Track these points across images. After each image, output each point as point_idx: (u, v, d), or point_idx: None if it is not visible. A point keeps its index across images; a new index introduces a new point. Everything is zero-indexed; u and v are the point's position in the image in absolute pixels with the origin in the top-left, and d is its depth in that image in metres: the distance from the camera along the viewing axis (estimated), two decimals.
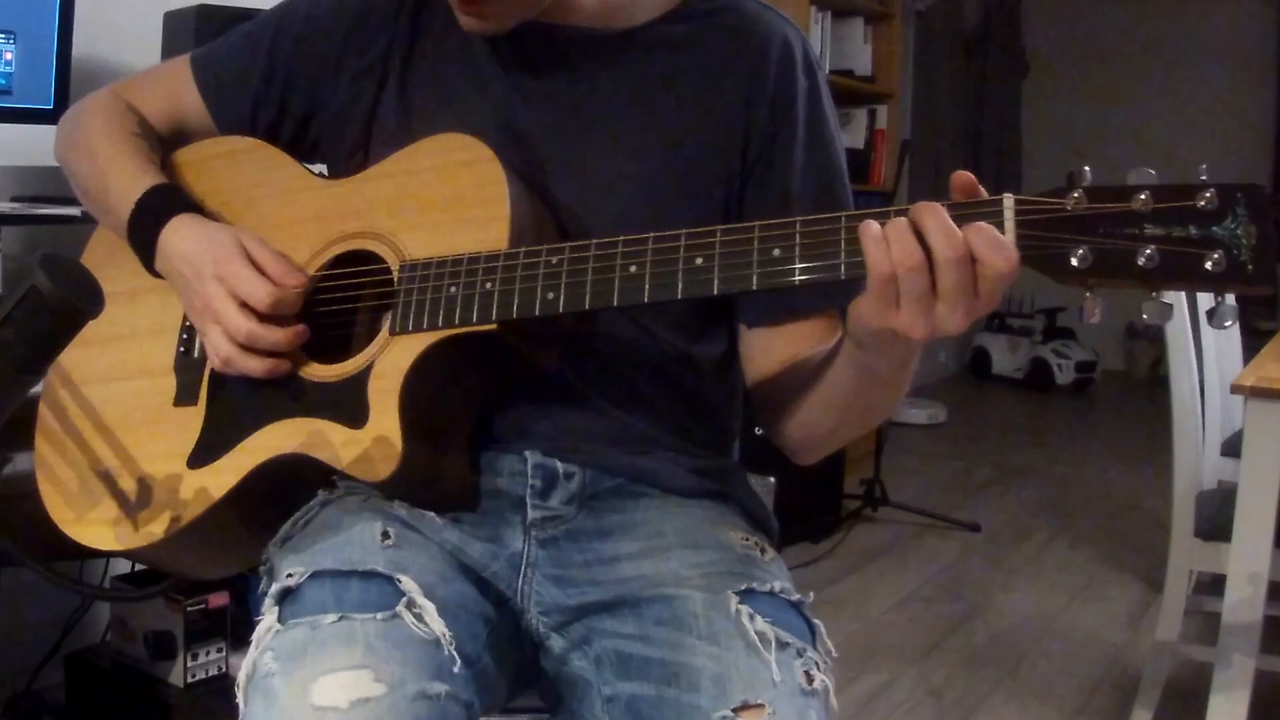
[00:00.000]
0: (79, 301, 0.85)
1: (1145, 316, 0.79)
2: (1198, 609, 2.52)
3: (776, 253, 0.87)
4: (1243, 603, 1.97)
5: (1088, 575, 3.43)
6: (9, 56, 1.80)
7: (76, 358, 1.12)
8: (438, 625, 0.94)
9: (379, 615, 0.92)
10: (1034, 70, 6.81)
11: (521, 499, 1.07)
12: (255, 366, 1.02)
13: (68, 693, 2.06)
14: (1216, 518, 2.19)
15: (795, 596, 1.03)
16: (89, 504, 1.11)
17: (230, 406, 1.07)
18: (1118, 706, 2.54)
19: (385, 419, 0.98)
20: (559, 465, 1.07)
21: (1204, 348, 2.32)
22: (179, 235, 1.07)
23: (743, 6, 1.13)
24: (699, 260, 0.90)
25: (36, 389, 0.91)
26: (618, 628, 1.01)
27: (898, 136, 4.61)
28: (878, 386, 0.97)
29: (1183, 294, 2.26)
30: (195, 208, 1.11)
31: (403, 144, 1.08)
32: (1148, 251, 0.77)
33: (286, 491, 1.08)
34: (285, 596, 0.96)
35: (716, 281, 0.89)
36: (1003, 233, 0.80)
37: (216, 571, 1.32)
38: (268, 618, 0.95)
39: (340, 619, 0.92)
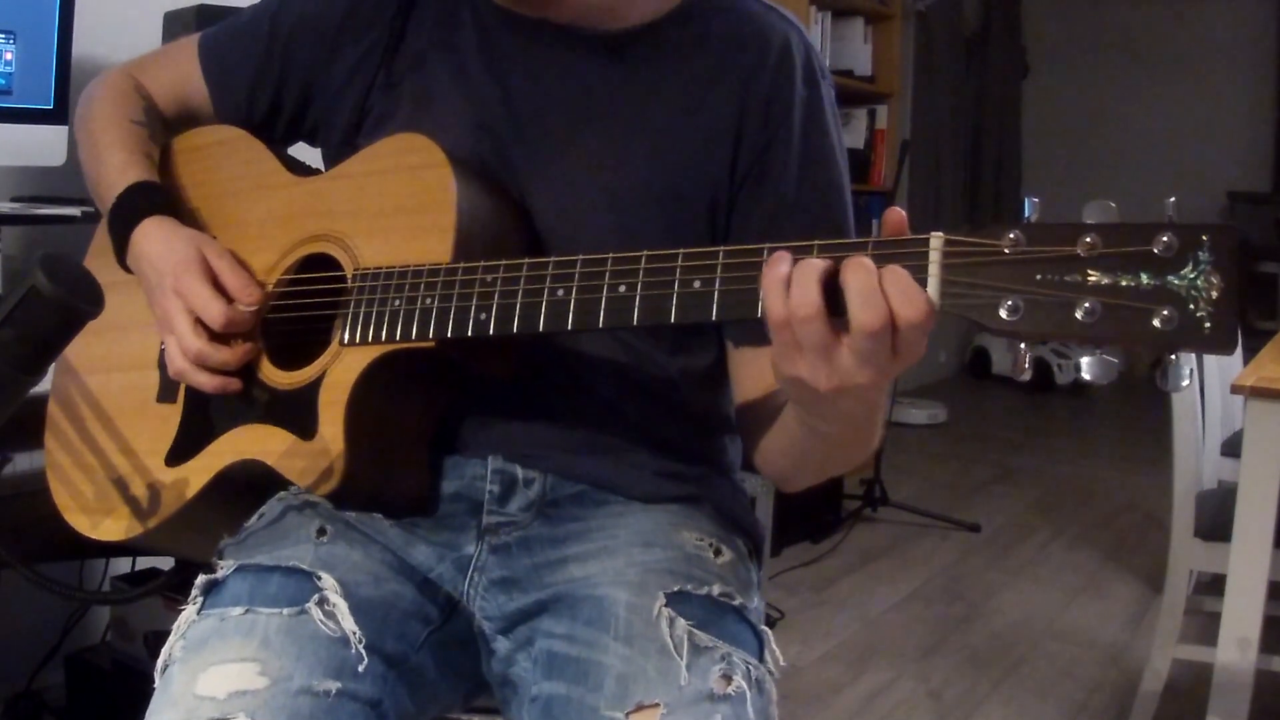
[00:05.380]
0: (79, 301, 0.85)
1: (1086, 375, 0.72)
2: (1198, 609, 2.52)
3: (697, 284, 0.81)
4: (1243, 603, 1.97)
5: (1088, 575, 3.43)
6: (9, 56, 1.80)
7: (79, 345, 1.14)
8: (348, 623, 0.95)
9: (285, 611, 0.95)
10: (1034, 70, 6.81)
11: (479, 504, 1.06)
12: (205, 382, 1.02)
13: (68, 693, 2.06)
14: (1216, 518, 2.19)
15: (737, 601, 1.01)
16: (82, 492, 1.13)
17: (204, 407, 1.07)
18: (1117, 706, 2.54)
19: (332, 432, 0.97)
20: (519, 471, 1.06)
21: None
22: (148, 239, 1.07)
23: (744, 8, 1.09)
24: (622, 288, 0.84)
25: (38, 388, 0.92)
26: (552, 627, 1.01)
27: (898, 136, 4.61)
28: (830, 445, 0.91)
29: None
30: (170, 209, 1.10)
31: (384, 136, 1.06)
32: (1087, 304, 0.68)
33: (257, 489, 1.09)
34: (210, 588, 1.00)
35: (637, 312, 0.84)
36: (927, 275, 0.73)
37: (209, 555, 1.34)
38: (190, 607, 0.99)
39: (246, 612, 0.95)
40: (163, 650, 0.96)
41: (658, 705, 0.89)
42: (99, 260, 1.20)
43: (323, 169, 1.15)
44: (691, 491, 1.10)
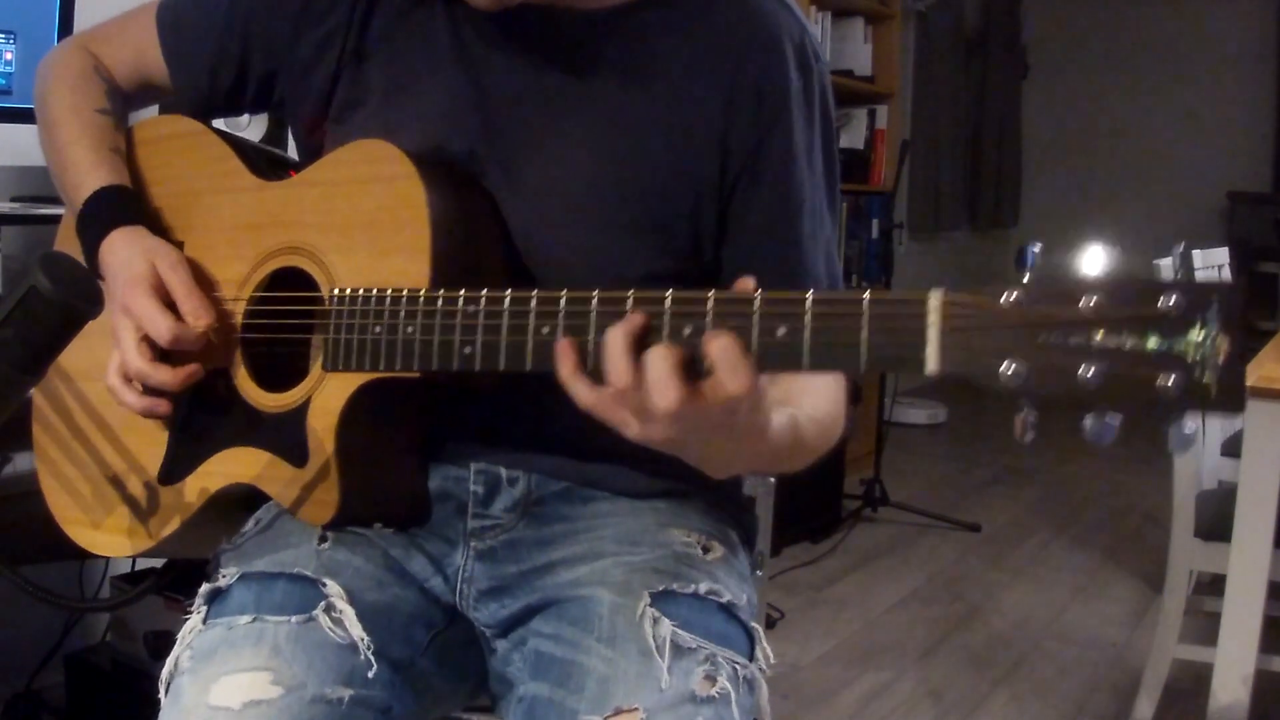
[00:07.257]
0: (79, 301, 0.85)
1: (1086, 436, 0.68)
2: (1198, 609, 2.52)
3: (687, 331, 0.77)
4: (1243, 603, 1.97)
5: (1088, 575, 3.43)
6: (9, 56, 1.80)
7: (71, 348, 1.13)
8: (355, 630, 0.94)
9: (294, 618, 0.94)
10: (1034, 70, 6.80)
11: (464, 505, 1.05)
12: (133, 402, 1.00)
13: (68, 693, 2.06)
14: (1216, 518, 2.19)
15: (726, 598, 0.99)
16: (81, 506, 1.12)
17: (192, 425, 1.05)
18: (1118, 706, 2.54)
19: (323, 462, 0.96)
20: (503, 471, 1.04)
21: None
22: (113, 253, 1.04)
23: None
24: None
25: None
26: (541, 627, 1.00)
27: (898, 136, 4.61)
28: (725, 461, 0.87)
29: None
30: (139, 215, 1.07)
31: (353, 128, 1.04)
32: (1092, 369, 0.65)
33: (252, 502, 1.08)
34: (214, 597, 0.98)
35: None
36: (925, 338, 0.70)
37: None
38: (194, 617, 0.97)
39: (254, 620, 0.94)
40: (168, 661, 0.95)
41: (636, 710, 0.88)
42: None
43: (287, 159, 1.12)
44: (679, 486, 1.07)
